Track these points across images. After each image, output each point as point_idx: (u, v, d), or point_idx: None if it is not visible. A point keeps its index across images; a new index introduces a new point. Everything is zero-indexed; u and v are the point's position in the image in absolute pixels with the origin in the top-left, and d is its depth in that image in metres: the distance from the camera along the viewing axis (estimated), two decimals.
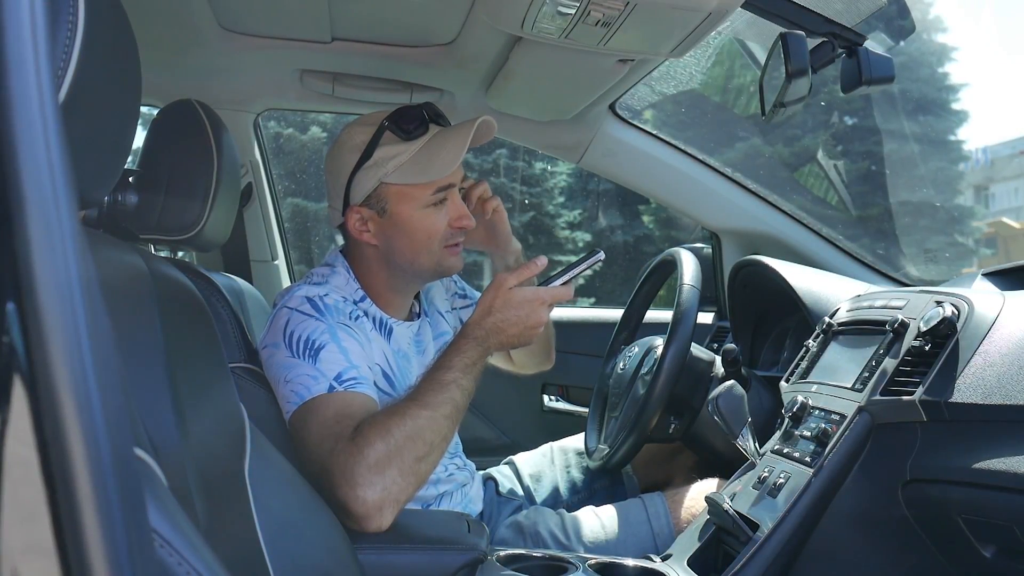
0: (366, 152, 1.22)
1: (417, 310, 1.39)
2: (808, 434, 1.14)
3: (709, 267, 2.10)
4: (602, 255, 1.14)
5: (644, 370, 1.55)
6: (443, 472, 1.32)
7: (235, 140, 1.39)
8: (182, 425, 0.63)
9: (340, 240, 1.35)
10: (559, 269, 1.17)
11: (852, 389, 1.11)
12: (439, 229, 1.24)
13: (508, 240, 1.41)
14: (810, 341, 1.31)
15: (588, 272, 1.20)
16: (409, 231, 1.24)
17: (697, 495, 1.40)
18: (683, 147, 1.95)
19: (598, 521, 1.38)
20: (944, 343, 1.01)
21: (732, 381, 1.30)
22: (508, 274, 1.12)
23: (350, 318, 1.20)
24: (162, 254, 1.39)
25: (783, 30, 1.13)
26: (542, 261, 1.13)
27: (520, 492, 1.59)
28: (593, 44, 1.29)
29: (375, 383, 1.19)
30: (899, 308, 1.14)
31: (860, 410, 1.07)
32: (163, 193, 1.23)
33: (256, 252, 2.05)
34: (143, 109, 1.44)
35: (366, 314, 1.25)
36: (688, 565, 1.16)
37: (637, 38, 1.27)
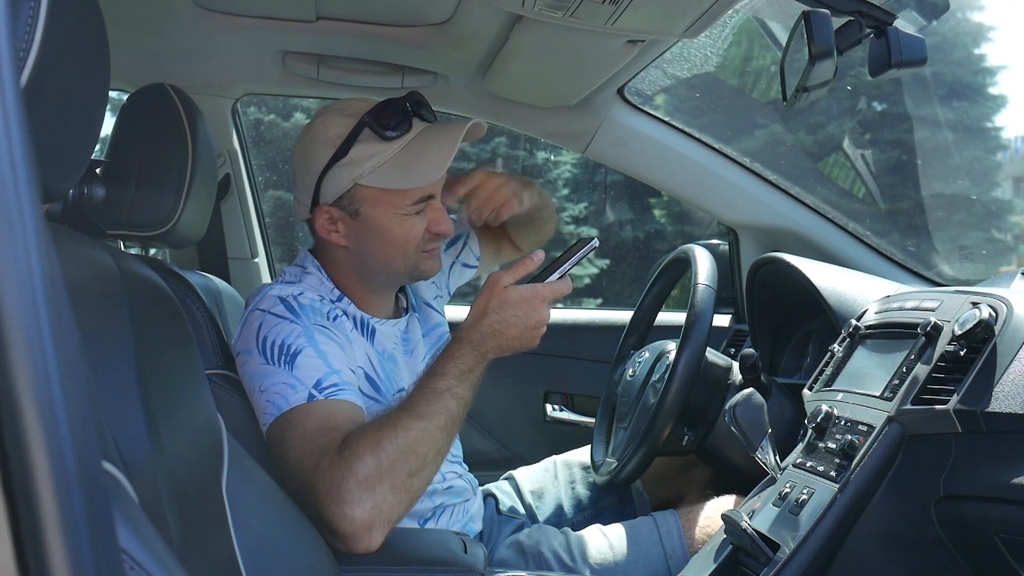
0: (342, 148, 1.20)
1: (404, 305, 1.39)
2: (833, 446, 1.14)
3: (726, 265, 2.10)
4: (596, 242, 1.14)
5: (655, 377, 1.55)
6: (440, 483, 1.32)
7: (212, 127, 1.39)
8: (154, 437, 0.63)
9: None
10: (550, 261, 1.16)
11: (881, 398, 1.11)
12: (416, 235, 1.24)
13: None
14: (835, 346, 1.31)
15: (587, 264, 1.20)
16: (383, 236, 1.23)
17: (713, 513, 1.40)
18: (698, 135, 1.95)
19: (606, 541, 1.38)
20: (981, 348, 1.00)
21: (751, 389, 1.30)
22: (503, 272, 1.12)
23: (328, 318, 1.20)
24: (132, 251, 1.39)
25: (806, 8, 1.13)
26: (539, 256, 1.13)
27: (521, 510, 1.59)
28: (600, 23, 1.29)
29: (359, 388, 1.19)
30: (932, 310, 1.14)
31: (889, 420, 1.07)
32: (133, 185, 1.24)
33: (234, 249, 2.05)
34: (112, 94, 1.43)
35: (345, 314, 1.25)
36: None
37: (648, 17, 1.27)
